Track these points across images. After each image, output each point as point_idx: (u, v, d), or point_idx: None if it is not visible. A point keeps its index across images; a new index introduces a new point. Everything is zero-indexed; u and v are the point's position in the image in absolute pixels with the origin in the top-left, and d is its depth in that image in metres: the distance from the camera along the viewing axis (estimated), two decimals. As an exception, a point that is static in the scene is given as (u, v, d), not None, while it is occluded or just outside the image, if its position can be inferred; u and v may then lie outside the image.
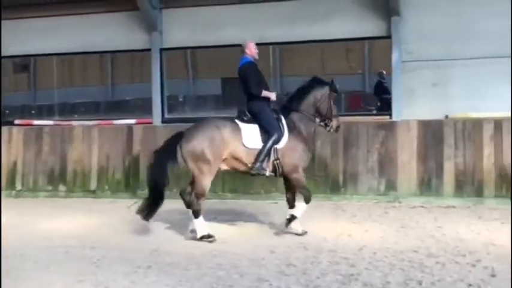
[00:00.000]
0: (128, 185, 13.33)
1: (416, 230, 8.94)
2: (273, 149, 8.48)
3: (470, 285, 5.84)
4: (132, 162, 13.42)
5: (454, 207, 11.21)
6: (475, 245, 7.74)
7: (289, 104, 8.99)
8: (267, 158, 8.47)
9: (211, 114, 13.47)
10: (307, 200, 8.71)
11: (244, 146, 8.44)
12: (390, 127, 12.33)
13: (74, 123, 14.26)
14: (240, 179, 11.79)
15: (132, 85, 15.63)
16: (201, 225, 8.37)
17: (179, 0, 13.94)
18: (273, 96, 8.81)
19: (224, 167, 8.66)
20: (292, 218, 8.63)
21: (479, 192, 11.64)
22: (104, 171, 13.59)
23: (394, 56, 12.69)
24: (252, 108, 8.71)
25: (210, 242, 8.20)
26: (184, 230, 8.77)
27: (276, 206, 11.01)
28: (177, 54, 14.73)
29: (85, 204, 12.06)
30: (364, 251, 7.50)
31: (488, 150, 11.66)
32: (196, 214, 8.36)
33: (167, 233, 9.00)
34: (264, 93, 8.71)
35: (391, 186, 12.11)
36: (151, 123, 14.03)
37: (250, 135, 8.49)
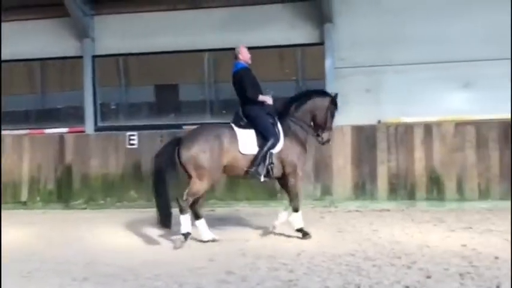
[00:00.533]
0: (60, 195, 13.00)
1: (353, 233, 9.04)
2: (268, 153, 8.56)
3: (407, 287, 5.92)
4: (64, 172, 13.11)
5: (388, 210, 11.44)
6: (410, 247, 7.87)
7: (286, 109, 9.00)
8: (262, 163, 8.54)
9: (145, 122, 13.32)
10: (296, 210, 8.83)
11: (240, 152, 8.52)
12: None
13: (3, 132, 13.78)
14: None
15: (64, 93, 15.20)
16: (186, 222, 8.34)
17: (111, 7, 13.75)
18: (269, 100, 8.86)
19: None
20: (301, 231, 8.77)
21: (411, 195, 11.94)
22: (35, 181, 13.21)
23: (327, 63, 12.89)
24: (248, 113, 8.75)
25: (184, 240, 8.29)
26: (119, 239, 8.58)
27: (213, 214, 10.94)
28: (109, 62, 14.45)
29: (16, 216, 11.64)
30: (302, 256, 7.51)
31: (419, 154, 11.98)
32: (183, 211, 8.32)
33: (102, 243, 8.77)
34: (261, 97, 8.78)
35: (326, 191, 12.26)
36: (83, 131, 13.73)
37: (247, 141, 8.57)
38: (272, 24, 13.25)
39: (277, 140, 8.63)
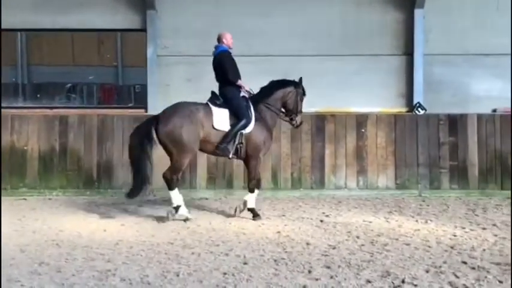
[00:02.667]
0: None
1: (172, 222, 9.01)
2: (239, 133, 9.10)
3: (225, 273, 6.02)
4: None
5: (207, 199, 11.62)
6: (227, 235, 8.04)
7: (258, 97, 9.56)
8: (233, 141, 9.11)
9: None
10: (252, 190, 9.47)
11: (213, 127, 9.05)
12: (146, 121, 12.31)
13: None
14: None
15: None
16: (176, 196, 9.07)
17: None
18: (246, 87, 9.52)
19: None
20: (252, 211, 9.37)
21: (229, 184, 12.19)
22: None
23: (149, 50, 12.74)
24: (225, 94, 9.33)
25: (174, 213, 9.02)
26: None
27: (25, 203, 10.36)
28: None
29: None
30: (121, 246, 7.35)
31: (238, 144, 12.23)
32: (170, 187, 9.02)
33: None
34: (239, 82, 9.42)
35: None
36: None
37: (221, 118, 9.11)
38: (92, 7, 12.82)
39: (249, 121, 9.22)
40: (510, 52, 12.57)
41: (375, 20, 12.66)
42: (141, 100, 13.41)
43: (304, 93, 9.91)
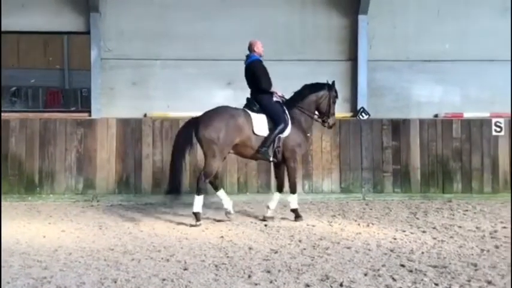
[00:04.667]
0: None
1: (114, 228, 8.91)
2: (277, 137, 9.38)
3: (164, 279, 5.97)
4: None
5: (151, 204, 11.51)
6: (169, 240, 7.98)
7: (292, 101, 9.83)
8: (272, 145, 9.42)
9: None
10: (293, 191, 9.77)
11: (254, 133, 9.33)
12: (89, 125, 12.15)
13: None
14: None
15: None
16: (199, 203, 9.19)
17: None
18: (279, 92, 9.80)
19: (231, 151, 9.54)
20: (295, 211, 9.71)
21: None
22: None
23: (93, 53, 12.57)
24: (260, 101, 9.59)
25: (196, 222, 9.11)
26: None
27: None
28: None
29: None
30: (59, 252, 7.21)
31: (185, 149, 12.17)
32: (199, 192, 9.20)
33: None
34: (272, 89, 9.66)
35: (89, 185, 11.97)
36: None
37: (260, 123, 9.41)
38: (35, 9, 12.58)
39: (286, 126, 9.52)
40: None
41: (320, 26, 12.79)
42: (87, 104, 13.20)
43: (336, 96, 10.20)
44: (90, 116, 12.44)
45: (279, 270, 6.35)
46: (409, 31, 12.76)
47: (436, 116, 12.71)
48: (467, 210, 10.74)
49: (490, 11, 12.83)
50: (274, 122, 9.48)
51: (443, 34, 12.73)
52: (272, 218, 9.72)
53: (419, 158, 12.38)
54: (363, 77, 12.61)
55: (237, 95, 12.70)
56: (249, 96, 9.76)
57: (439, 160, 12.39)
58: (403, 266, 6.61)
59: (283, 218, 9.89)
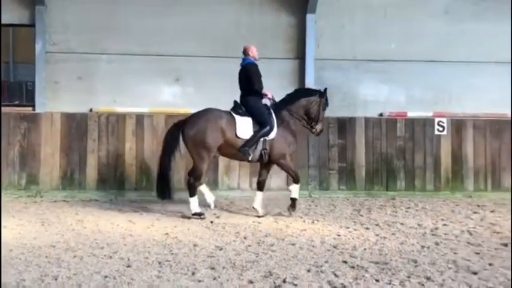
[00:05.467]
0: None
1: (57, 224, 8.77)
2: (262, 139, 9.61)
3: (106, 276, 5.90)
4: None
5: (96, 200, 11.37)
6: (113, 237, 7.90)
7: (282, 103, 10.04)
8: (255, 145, 9.59)
9: None
10: (296, 181, 10.02)
11: (237, 136, 9.52)
12: (33, 119, 11.96)
13: None
14: None
15: None
16: (195, 203, 9.56)
17: None
18: (269, 94, 10.01)
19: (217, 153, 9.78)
20: (293, 200, 9.96)
21: (120, 185, 11.99)
22: None
23: (38, 46, 12.31)
24: (247, 103, 9.76)
25: (202, 219, 9.37)
26: None
27: None
28: None
29: None
30: (-1, 250, 7.06)
31: (129, 145, 12.08)
32: (192, 193, 9.54)
33: None
34: (264, 91, 9.87)
35: (33, 180, 11.76)
36: None
37: (244, 126, 9.57)
38: (-21, 1, 12.19)
39: (271, 128, 9.67)
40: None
41: (268, 24, 12.82)
42: (32, 98, 12.87)
43: (327, 104, 10.31)
44: (33, 110, 12.17)
45: (223, 267, 6.37)
46: (356, 31, 12.90)
47: (381, 114, 12.92)
48: (409, 208, 10.99)
49: (433, 13, 13.09)
50: (260, 125, 9.64)
51: (389, 35, 12.93)
52: (265, 214, 9.95)
53: (364, 156, 12.59)
54: (310, 76, 12.69)
55: (186, 91, 12.70)
56: (236, 98, 9.97)
57: (383, 158, 12.62)
58: (345, 262, 6.72)
59: (230, 215, 9.91)
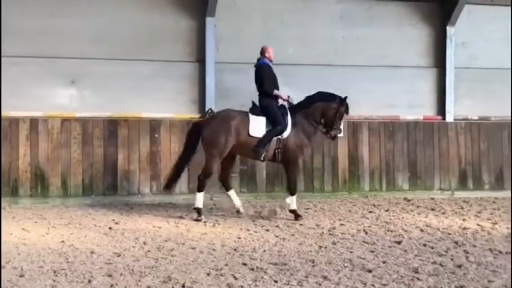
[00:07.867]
0: None
1: None
2: (275, 139, 9.87)
3: (-3, 288, 5.69)
4: None
5: (-12, 208, 10.87)
6: (6, 246, 7.54)
7: (299, 105, 10.26)
8: (267, 145, 9.86)
9: None
10: (292, 193, 10.15)
11: (249, 135, 9.87)
12: None
13: None
14: None
15: None
16: (200, 199, 9.97)
17: None
18: (284, 95, 10.25)
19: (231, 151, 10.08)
20: (294, 212, 10.09)
21: (14, 192, 11.53)
22: None
23: None
24: (262, 103, 10.13)
25: (199, 216, 9.88)
26: None
27: None
28: None
29: None
30: None
31: (23, 150, 11.64)
32: (200, 188, 9.96)
33: None
34: (276, 92, 10.14)
35: None
36: None
37: (257, 125, 9.91)
38: None
39: (284, 128, 9.92)
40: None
41: (167, 26, 12.69)
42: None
43: (347, 112, 10.45)
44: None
45: (121, 274, 6.28)
46: (255, 35, 12.98)
47: (281, 117, 13.10)
48: (308, 209, 11.24)
49: (329, 19, 13.45)
50: (272, 124, 9.90)
51: (287, 39, 13.12)
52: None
53: (264, 158, 12.72)
54: (210, 79, 12.69)
55: (83, 94, 12.37)
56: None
57: (283, 160, 12.80)
58: (245, 264, 6.79)
59: (129, 221, 9.75)
